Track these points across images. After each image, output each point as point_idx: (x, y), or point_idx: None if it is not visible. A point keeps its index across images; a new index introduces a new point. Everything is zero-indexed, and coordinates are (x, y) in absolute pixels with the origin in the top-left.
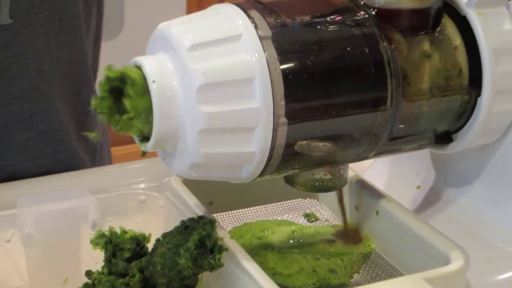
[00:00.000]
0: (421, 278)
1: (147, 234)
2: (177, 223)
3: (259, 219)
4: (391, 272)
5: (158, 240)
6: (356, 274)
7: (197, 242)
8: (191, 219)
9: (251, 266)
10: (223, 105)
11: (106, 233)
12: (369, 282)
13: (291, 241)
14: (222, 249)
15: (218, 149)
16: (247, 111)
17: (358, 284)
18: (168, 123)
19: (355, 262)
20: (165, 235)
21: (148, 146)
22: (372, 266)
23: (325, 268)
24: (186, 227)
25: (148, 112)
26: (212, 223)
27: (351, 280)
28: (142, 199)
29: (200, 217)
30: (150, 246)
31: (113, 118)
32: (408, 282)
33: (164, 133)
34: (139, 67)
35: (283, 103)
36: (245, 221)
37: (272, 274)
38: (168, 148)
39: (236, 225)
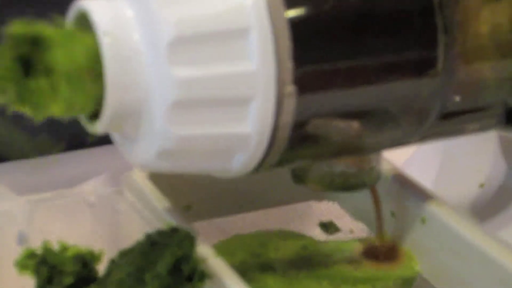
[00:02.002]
0: None
1: (97, 252)
2: (141, 236)
3: (256, 229)
4: None
5: (113, 261)
6: None
7: (170, 266)
8: (160, 232)
9: None
10: (205, 68)
11: (39, 250)
12: None
13: (301, 261)
14: (204, 276)
15: (197, 129)
16: (239, 76)
17: None
18: (127, 93)
19: None
20: (123, 254)
21: (99, 127)
22: None
23: None
24: (154, 243)
25: (82, 73)
26: (191, 239)
27: None
28: (91, 201)
29: (174, 230)
30: (101, 269)
31: (24, 87)
32: None
33: (120, 108)
34: (82, 16)
35: (290, 64)
36: (237, 232)
37: None
38: (128, 129)
39: (223, 238)
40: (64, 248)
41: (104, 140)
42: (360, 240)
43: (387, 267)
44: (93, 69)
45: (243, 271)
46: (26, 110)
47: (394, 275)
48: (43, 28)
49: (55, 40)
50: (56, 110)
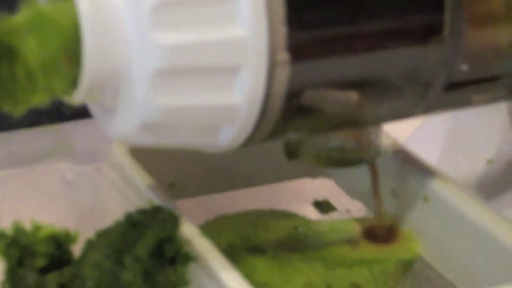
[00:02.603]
0: None
1: (72, 232)
2: (120, 216)
3: (245, 209)
4: None
5: (90, 242)
6: None
7: (152, 248)
8: (142, 212)
9: (232, 279)
10: (191, 33)
11: (9, 230)
12: None
13: (293, 242)
14: (187, 258)
15: (182, 99)
16: (228, 43)
17: None
18: (106, 61)
19: (390, 273)
20: (101, 235)
21: (76, 97)
22: (416, 280)
23: (345, 282)
24: (134, 223)
25: (57, 58)
26: (174, 219)
27: None
28: (67, 178)
29: (156, 209)
30: (77, 250)
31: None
32: None
33: (100, 76)
34: None
35: (283, 29)
36: (225, 212)
37: None
38: (108, 99)
39: (210, 218)
40: (37, 228)
41: (81, 114)
42: (358, 220)
43: (386, 249)
44: (70, 50)
45: (230, 253)
46: (4, 107)
47: (393, 257)
48: (9, 23)
49: (24, 30)
50: (37, 100)
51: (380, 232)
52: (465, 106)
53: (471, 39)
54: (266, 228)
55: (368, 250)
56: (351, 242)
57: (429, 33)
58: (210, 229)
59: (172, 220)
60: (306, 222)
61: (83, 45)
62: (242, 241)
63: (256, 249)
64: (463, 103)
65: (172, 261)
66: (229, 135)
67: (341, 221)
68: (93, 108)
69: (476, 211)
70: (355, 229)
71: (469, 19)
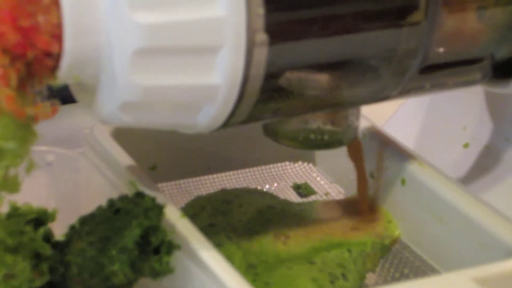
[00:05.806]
0: (469, 278)
1: (51, 210)
2: (102, 201)
3: None
4: (423, 270)
5: (73, 228)
6: (371, 274)
7: (138, 239)
8: (124, 198)
9: (213, 259)
10: (170, 13)
11: None
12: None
13: (263, 218)
14: (172, 247)
15: (162, 80)
16: (208, 23)
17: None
18: (86, 40)
19: (369, 255)
20: (84, 221)
21: (59, 75)
22: (394, 262)
23: (332, 263)
24: (117, 210)
25: None
26: (158, 209)
27: (364, 282)
28: (48, 160)
29: (139, 195)
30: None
31: None
32: (449, 283)
33: (80, 56)
34: None
35: (261, 11)
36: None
37: None
38: (87, 79)
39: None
40: (15, 209)
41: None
42: (335, 201)
43: (364, 231)
44: None
45: (210, 234)
46: None
47: (371, 239)
48: None
49: None
50: None
51: (359, 214)
52: (441, 89)
53: (447, 20)
54: (240, 204)
55: (345, 232)
56: (327, 221)
57: (406, 14)
58: (189, 210)
59: (156, 209)
60: (280, 201)
61: (63, 20)
62: (218, 219)
63: (231, 230)
64: (439, 86)
65: (157, 250)
66: (209, 115)
67: (314, 201)
68: (75, 89)
69: (452, 194)
70: (331, 210)
71: (445, 2)
